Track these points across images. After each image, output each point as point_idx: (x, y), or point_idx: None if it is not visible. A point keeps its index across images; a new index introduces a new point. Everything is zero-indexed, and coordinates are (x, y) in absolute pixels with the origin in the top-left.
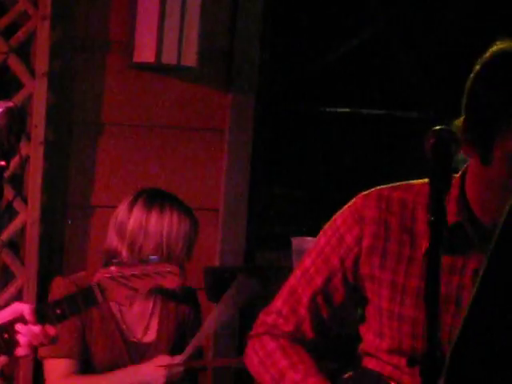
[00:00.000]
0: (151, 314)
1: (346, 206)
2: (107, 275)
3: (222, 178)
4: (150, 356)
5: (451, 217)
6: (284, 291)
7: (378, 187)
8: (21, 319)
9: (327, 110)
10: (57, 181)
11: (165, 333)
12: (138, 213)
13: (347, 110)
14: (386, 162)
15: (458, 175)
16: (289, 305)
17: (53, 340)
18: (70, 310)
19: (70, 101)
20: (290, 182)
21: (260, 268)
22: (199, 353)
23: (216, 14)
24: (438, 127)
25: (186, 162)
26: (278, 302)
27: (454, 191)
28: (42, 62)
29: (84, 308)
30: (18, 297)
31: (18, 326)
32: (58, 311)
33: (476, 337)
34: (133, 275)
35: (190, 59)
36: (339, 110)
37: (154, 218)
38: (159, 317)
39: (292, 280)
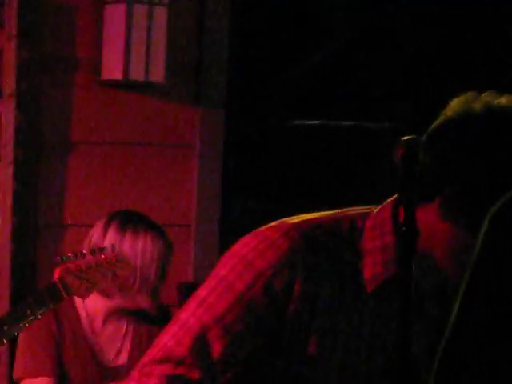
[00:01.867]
0: (124, 336)
1: None
2: (66, 271)
3: (193, 193)
4: (122, 379)
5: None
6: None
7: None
8: None
9: (296, 122)
10: (27, 200)
11: (137, 355)
12: (112, 235)
13: (316, 122)
14: (357, 173)
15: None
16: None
17: None
18: (39, 308)
19: (38, 120)
20: (262, 195)
21: None
22: None
23: (183, 29)
24: (406, 137)
25: (157, 179)
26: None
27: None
28: (9, 82)
29: (51, 304)
30: None
31: None
32: (29, 312)
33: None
34: (89, 267)
35: (158, 75)
36: (308, 122)
37: (127, 241)
38: (132, 338)
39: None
